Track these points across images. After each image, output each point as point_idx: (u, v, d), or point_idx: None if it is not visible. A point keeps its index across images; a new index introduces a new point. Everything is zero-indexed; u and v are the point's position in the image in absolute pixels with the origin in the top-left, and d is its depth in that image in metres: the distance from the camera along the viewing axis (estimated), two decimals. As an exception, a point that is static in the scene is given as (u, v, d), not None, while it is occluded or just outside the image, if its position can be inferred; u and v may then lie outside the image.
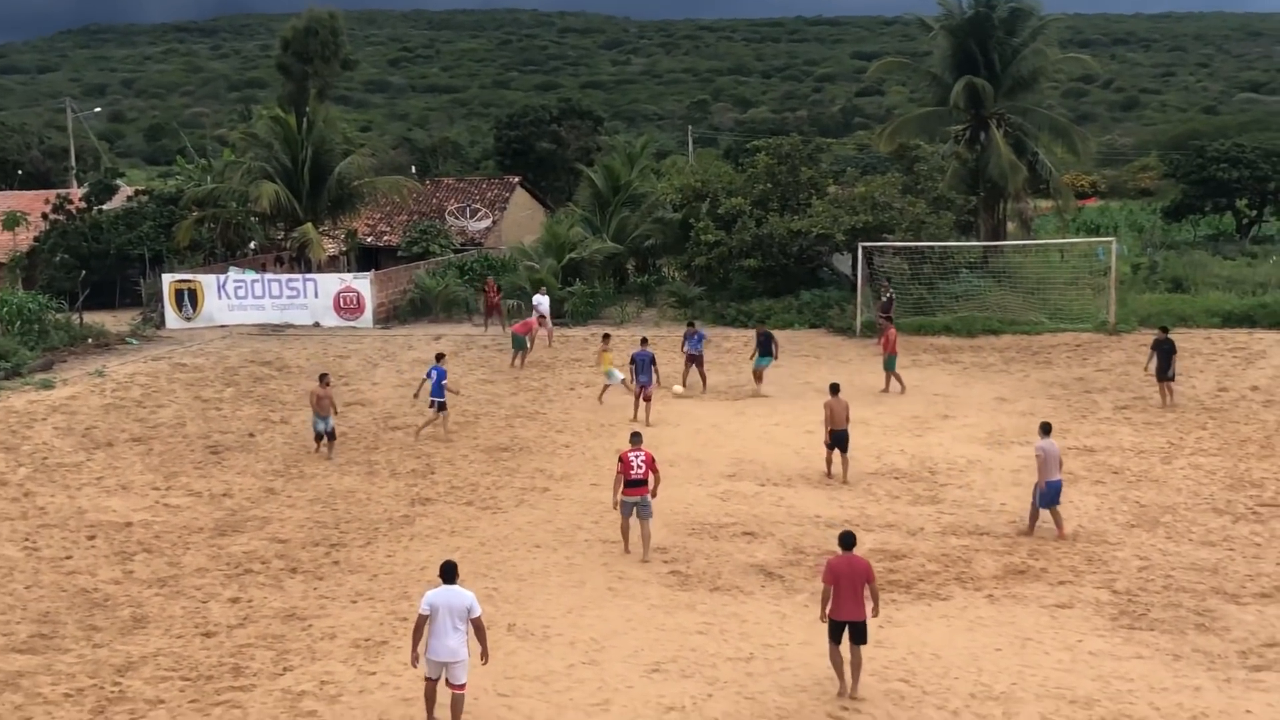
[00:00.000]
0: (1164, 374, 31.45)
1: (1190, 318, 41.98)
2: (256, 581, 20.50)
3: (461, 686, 14.64)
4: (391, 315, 50.05)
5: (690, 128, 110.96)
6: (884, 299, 41.53)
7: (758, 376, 34.79)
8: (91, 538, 22.82)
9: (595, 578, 20.30)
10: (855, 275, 44.20)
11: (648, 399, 31.31)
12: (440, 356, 31.22)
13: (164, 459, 28.47)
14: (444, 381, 29.71)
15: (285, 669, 16.97)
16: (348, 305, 49.05)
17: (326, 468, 27.12)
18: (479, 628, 14.66)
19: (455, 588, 14.62)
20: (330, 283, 49.74)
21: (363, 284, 49.39)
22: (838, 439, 25.54)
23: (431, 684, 14.73)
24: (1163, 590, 19.36)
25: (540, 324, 41.50)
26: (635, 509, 21.07)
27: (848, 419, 25.55)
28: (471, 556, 21.00)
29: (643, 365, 31.42)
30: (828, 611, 15.77)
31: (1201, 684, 15.99)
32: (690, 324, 37.04)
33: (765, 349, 34.90)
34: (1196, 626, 17.88)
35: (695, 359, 35.36)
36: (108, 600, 19.67)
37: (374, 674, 16.71)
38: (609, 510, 23.67)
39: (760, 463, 26.89)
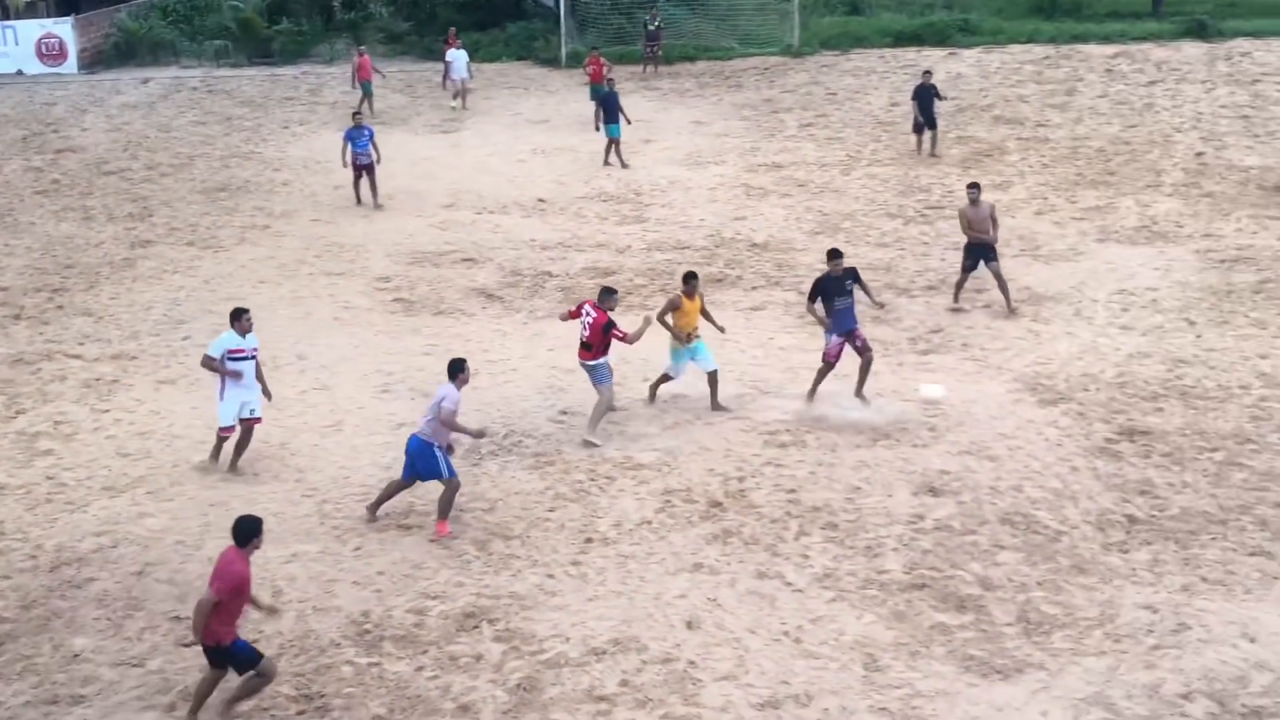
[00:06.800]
0: (930, 122, 28.48)
1: (866, 38, 42.65)
2: (-22, 331, 19.39)
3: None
4: (96, 60, 46.63)
5: None
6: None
7: (613, 147, 28.68)
8: None
9: (321, 309, 19.95)
10: (558, 6, 43.14)
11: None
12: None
13: None
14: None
15: (18, 412, 16.28)
16: (50, 52, 45.44)
17: (43, 215, 25.50)
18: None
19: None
20: (30, 29, 45.90)
21: (64, 29, 45.74)
22: None
23: None
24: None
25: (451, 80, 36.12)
26: None
27: None
28: (197, 295, 20.33)
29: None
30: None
31: (875, 368, 16.89)
32: (355, 114, 28.50)
33: (612, 113, 28.64)
34: (873, 319, 18.73)
35: (368, 169, 25.41)
36: None
37: (108, 411, 16.22)
38: (331, 245, 23.15)
39: (476, 192, 26.53)
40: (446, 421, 13.05)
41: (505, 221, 24.58)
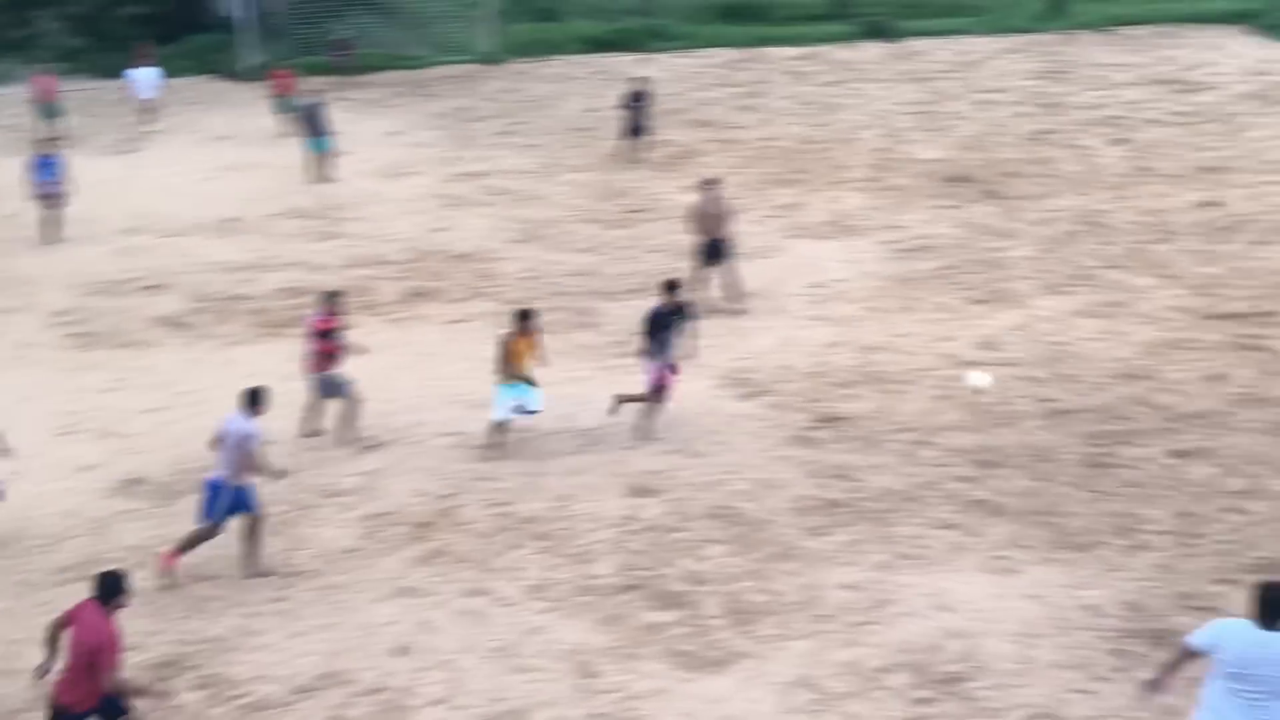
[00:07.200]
0: (643, 129, 28.34)
1: (561, 45, 43.11)
2: None
3: None
4: None
5: None
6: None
7: (322, 164, 27.28)
8: None
9: (-9, 350, 18.86)
10: (242, 16, 41.88)
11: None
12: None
13: None
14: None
15: None
16: None
17: None
18: None
19: None
20: None
21: None
22: None
23: None
24: (548, 296, 20.37)
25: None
26: None
27: None
28: None
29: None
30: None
31: (587, 374, 17.18)
32: (47, 140, 25.68)
33: (319, 126, 27.21)
34: (579, 325, 19.07)
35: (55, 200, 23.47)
36: None
37: None
38: (0, 279, 21.88)
39: (159, 214, 25.40)
40: (251, 461, 12.28)
41: (191, 244, 23.68)
